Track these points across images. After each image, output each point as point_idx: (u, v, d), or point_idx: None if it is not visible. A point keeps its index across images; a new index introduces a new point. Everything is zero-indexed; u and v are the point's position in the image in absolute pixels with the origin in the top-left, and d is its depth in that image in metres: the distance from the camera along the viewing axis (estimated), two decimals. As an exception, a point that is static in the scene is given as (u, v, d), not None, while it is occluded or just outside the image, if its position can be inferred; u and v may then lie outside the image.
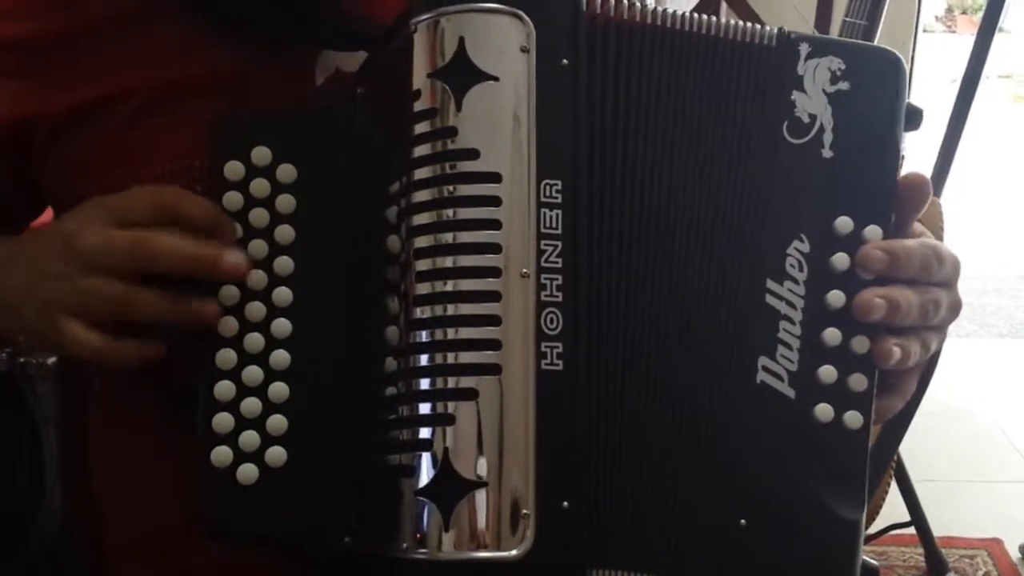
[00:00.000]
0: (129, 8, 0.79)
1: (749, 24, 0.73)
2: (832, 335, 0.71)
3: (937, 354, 0.77)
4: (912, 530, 2.34)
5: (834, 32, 2.07)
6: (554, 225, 0.67)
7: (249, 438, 0.69)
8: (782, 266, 0.71)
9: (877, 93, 0.73)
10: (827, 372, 0.71)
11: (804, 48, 0.73)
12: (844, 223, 0.72)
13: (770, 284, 0.71)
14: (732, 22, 0.73)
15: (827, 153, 0.72)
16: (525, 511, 0.65)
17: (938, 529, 2.40)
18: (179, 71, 0.78)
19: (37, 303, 0.70)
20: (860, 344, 0.71)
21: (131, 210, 0.70)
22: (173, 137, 0.77)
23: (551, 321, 0.67)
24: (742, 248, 0.72)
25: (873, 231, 0.72)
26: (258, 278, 0.71)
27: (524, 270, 0.66)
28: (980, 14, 2.26)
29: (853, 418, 0.71)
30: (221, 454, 0.69)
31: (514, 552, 0.64)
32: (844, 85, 0.73)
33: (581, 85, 0.69)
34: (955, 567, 2.47)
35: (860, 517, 0.71)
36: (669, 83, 0.72)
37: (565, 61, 0.69)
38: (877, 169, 0.73)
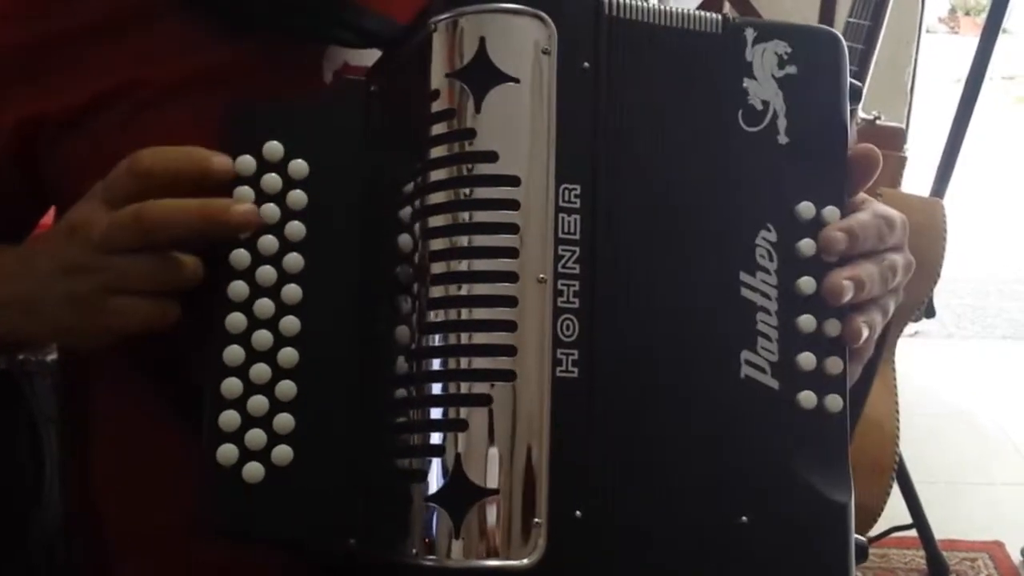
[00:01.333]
0: (129, 6, 0.78)
1: (696, 11, 0.72)
2: (807, 321, 0.71)
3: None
4: (913, 532, 2.33)
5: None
6: (572, 230, 0.66)
7: (255, 436, 0.68)
8: (753, 257, 0.71)
9: (823, 73, 0.73)
10: (806, 359, 0.71)
11: (750, 34, 0.72)
12: (807, 208, 0.72)
13: (744, 277, 0.71)
14: (695, 12, 0.72)
15: (783, 139, 0.72)
16: (537, 520, 0.64)
17: (939, 531, 2.39)
18: (181, 67, 0.78)
19: (58, 298, 0.70)
20: (832, 327, 0.71)
21: (116, 187, 0.69)
22: (177, 133, 0.76)
23: (567, 327, 0.66)
24: (716, 244, 0.71)
25: (831, 212, 0.72)
26: (267, 274, 0.70)
27: (541, 275, 0.65)
28: (983, 15, 2.26)
29: (834, 401, 0.71)
30: (227, 452, 0.68)
31: (525, 561, 0.64)
32: (792, 69, 0.72)
33: (601, 88, 0.68)
34: (956, 570, 2.47)
35: (849, 500, 0.71)
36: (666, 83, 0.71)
37: (586, 64, 0.68)
38: (829, 149, 0.73)
